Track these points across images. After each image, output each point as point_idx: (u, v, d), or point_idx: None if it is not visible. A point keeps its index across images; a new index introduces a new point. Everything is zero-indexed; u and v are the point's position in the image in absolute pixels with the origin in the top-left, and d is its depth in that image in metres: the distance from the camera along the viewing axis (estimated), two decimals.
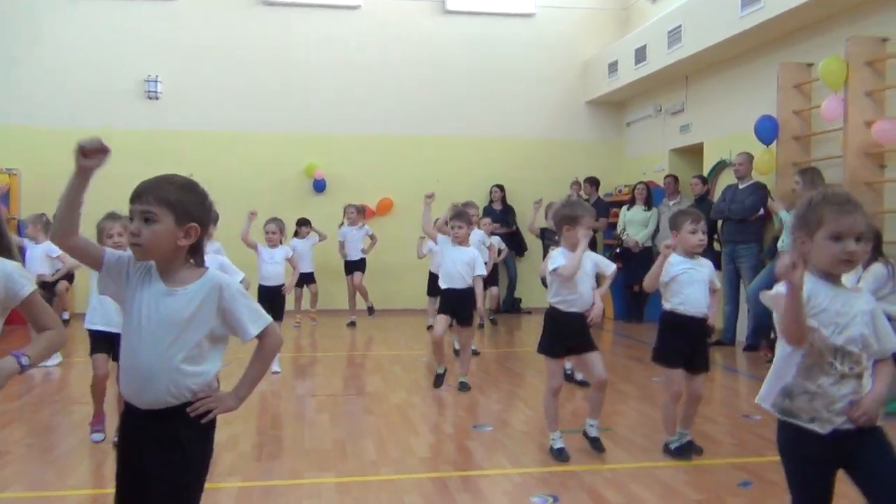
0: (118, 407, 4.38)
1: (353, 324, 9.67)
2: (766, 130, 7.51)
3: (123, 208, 9.44)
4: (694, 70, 9.46)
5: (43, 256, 7.70)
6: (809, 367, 2.26)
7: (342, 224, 9.99)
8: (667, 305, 4.16)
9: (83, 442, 4.40)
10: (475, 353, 7.51)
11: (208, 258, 4.39)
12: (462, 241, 5.82)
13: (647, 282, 4.11)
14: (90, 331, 4.40)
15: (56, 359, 6.71)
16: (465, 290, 5.78)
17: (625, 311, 10.18)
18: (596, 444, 4.12)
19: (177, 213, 2.14)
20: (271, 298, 6.65)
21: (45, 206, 10.40)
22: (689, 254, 4.09)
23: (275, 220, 6.77)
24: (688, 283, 4.06)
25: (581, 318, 4.09)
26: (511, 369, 6.93)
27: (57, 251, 7.45)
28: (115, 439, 2.20)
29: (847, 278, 5.65)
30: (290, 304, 7.64)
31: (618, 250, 10.20)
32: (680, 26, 8.83)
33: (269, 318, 2.28)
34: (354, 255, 9.80)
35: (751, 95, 8.36)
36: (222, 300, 2.18)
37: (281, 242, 6.78)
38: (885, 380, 2.34)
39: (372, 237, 9.89)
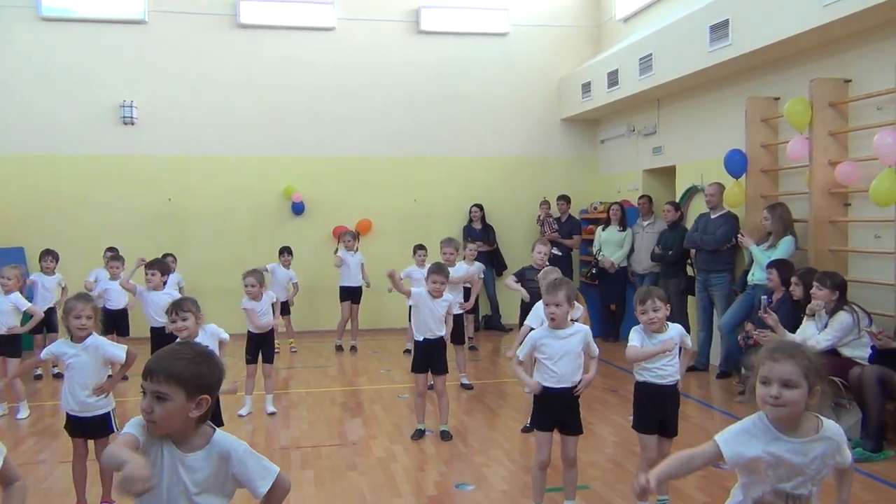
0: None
1: (340, 347, 9.91)
2: (736, 164, 7.68)
3: (100, 235, 9.47)
4: (666, 94, 9.62)
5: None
6: None
7: (336, 250, 10.11)
8: (639, 377, 4.32)
9: None
10: (469, 387, 7.71)
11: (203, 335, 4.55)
12: (440, 294, 5.94)
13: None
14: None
15: (24, 411, 6.78)
16: (438, 340, 5.95)
17: (601, 330, 10.36)
18: None
19: (188, 388, 2.21)
20: (261, 344, 6.82)
21: (21, 235, 10.49)
22: (651, 330, 4.24)
23: (253, 272, 6.82)
24: (658, 358, 4.22)
25: (568, 393, 4.19)
26: (489, 406, 7.09)
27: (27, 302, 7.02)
28: None
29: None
30: None
31: (594, 270, 10.38)
32: (651, 55, 8.97)
33: (276, 470, 2.37)
34: (354, 282, 9.90)
35: (721, 122, 8.54)
36: (232, 467, 2.28)
37: (261, 291, 6.82)
38: (846, 489, 2.62)
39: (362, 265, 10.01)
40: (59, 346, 4.48)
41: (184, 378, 2.21)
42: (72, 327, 4.36)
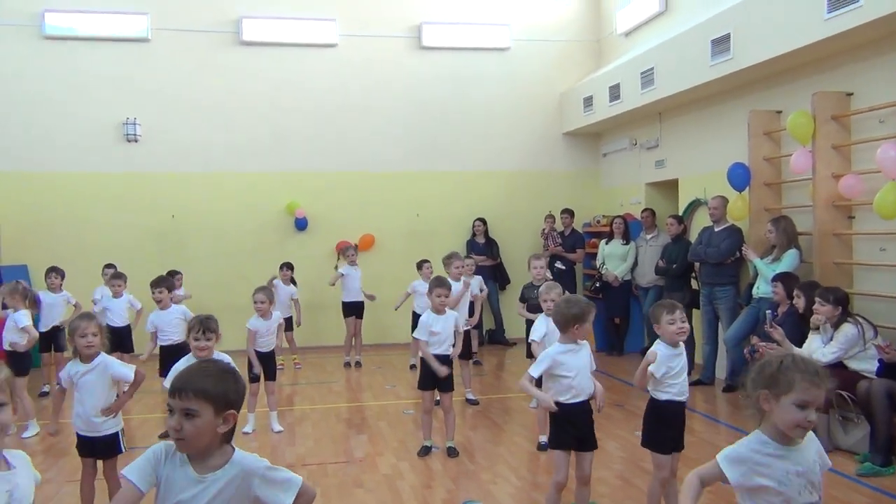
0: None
1: (348, 364, 9.92)
2: (739, 177, 7.69)
3: (104, 253, 9.33)
4: (668, 108, 9.64)
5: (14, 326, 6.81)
6: None
7: (336, 266, 10.18)
8: (662, 396, 4.22)
9: None
10: (474, 402, 7.69)
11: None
12: (444, 307, 5.94)
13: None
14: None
15: (33, 429, 6.74)
16: (445, 358, 5.93)
17: (605, 344, 10.34)
18: None
19: (216, 404, 2.22)
20: (265, 362, 6.82)
21: (25, 252, 10.49)
22: (673, 343, 4.23)
23: (263, 289, 6.83)
24: (679, 373, 4.21)
25: (586, 406, 4.22)
26: (495, 422, 7.07)
27: (27, 321, 6.77)
28: None
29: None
30: None
31: (598, 284, 10.37)
32: (652, 69, 9.00)
33: (299, 481, 2.36)
34: (356, 297, 9.92)
35: (724, 135, 8.55)
36: (255, 487, 2.27)
37: (270, 309, 6.83)
38: None
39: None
40: (72, 367, 4.40)
41: (212, 394, 2.22)
42: (79, 346, 4.34)
